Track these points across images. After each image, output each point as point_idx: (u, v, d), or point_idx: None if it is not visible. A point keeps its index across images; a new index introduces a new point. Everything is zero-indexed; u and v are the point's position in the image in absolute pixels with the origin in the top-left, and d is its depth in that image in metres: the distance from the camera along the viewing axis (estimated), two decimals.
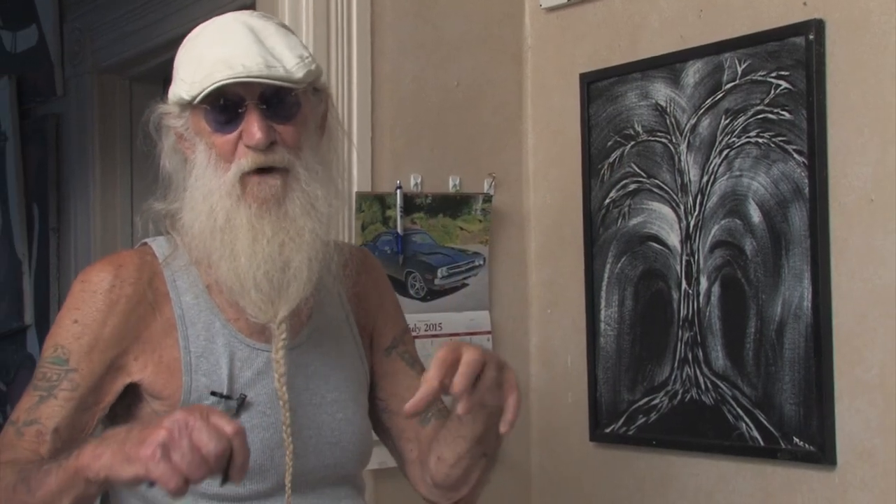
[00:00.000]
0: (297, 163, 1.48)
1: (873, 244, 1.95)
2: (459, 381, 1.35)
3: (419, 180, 2.41)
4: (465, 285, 2.44)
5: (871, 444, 1.95)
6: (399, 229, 2.34)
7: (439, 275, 2.41)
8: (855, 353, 1.97)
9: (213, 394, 1.47)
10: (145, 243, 1.57)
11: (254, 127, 1.46)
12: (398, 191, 2.35)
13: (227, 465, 1.24)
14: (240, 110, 1.46)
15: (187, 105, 1.49)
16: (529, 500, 2.53)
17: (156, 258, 1.53)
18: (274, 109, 1.47)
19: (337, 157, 1.60)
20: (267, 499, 1.49)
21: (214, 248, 1.47)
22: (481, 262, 2.46)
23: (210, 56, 1.46)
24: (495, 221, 2.49)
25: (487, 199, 2.47)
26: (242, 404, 1.49)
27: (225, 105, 1.47)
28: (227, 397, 1.48)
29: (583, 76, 2.42)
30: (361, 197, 2.29)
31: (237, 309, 1.50)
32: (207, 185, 1.48)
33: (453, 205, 2.42)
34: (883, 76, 1.94)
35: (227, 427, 1.23)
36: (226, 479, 1.25)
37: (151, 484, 1.23)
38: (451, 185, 2.45)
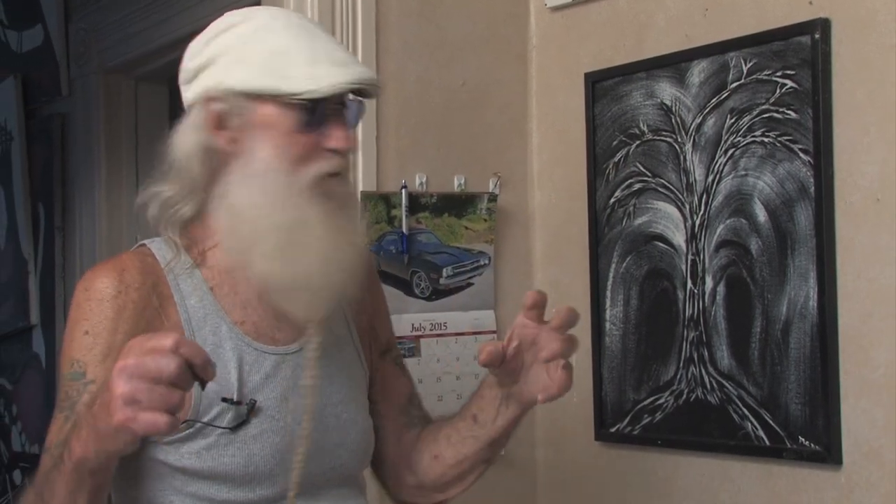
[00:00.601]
0: (350, 169, 1.52)
1: (879, 243, 1.95)
2: (567, 314, 1.51)
3: (424, 180, 2.41)
4: (470, 284, 2.44)
5: (878, 443, 1.95)
6: (404, 229, 2.34)
7: (444, 274, 2.41)
8: (861, 352, 1.97)
9: (224, 400, 1.45)
10: (143, 244, 1.53)
11: (342, 132, 1.47)
12: (403, 190, 2.35)
13: (194, 373, 1.20)
14: (321, 112, 1.45)
15: (252, 95, 1.44)
16: (535, 499, 2.53)
17: (156, 260, 1.50)
18: (347, 114, 1.48)
19: None
20: (276, 503, 1.48)
21: (266, 246, 1.44)
22: (486, 262, 2.46)
23: (311, 52, 1.45)
24: (500, 221, 2.49)
25: (493, 198, 2.47)
26: (253, 409, 1.47)
27: (310, 106, 1.45)
28: (238, 403, 1.46)
29: (588, 75, 2.42)
30: (366, 196, 2.29)
31: (243, 311, 1.50)
32: (274, 183, 1.44)
33: (458, 204, 2.42)
34: (889, 75, 1.93)
35: (165, 342, 1.18)
36: (202, 382, 1.22)
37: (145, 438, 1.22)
38: (457, 184, 2.45)
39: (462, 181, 2.46)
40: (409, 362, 2.34)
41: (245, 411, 1.46)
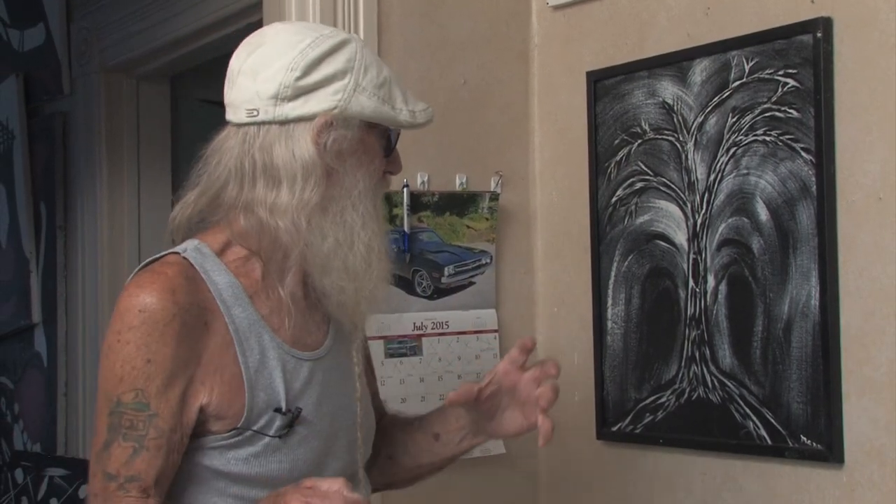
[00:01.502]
0: None
1: (881, 242, 1.95)
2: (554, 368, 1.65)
3: (426, 178, 2.41)
4: (471, 283, 2.44)
5: (879, 442, 1.95)
6: (406, 227, 2.34)
7: (446, 273, 2.41)
8: (863, 351, 1.97)
9: (276, 410, 1.49)
10: (177, 253, 1.52)
11: (399, 158, 1.59)
12: (405, 189, 2.35)
13: None
14: (394, 140, 1.57)
15: (366, 123, 1.52)
16: (536, 498, 2.53)
17: (196, 272, 1.50)
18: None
19: None
20: None
21: (350, 262, 1.51)
22: (488, 261, 2.46)
23: (398, 83, 1.55)
24: (502, 219, 2.49)
25: (494, 197, 2.47)
26: (298, 417, 1.50)
27: (392, 134, 1.56)
28: (287, 412, 1.50)
29: (590, 74, 2.42)
30: None
31: (279, 318, 1.52)
32: (370, 208, 1.53)
33: (460, 203, 2.42)
34: (891, 74, 1.93)
35: (340, 489, 1.35)
36: None
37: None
38: (458, 183, 2.45)
39: (464, 180, 2.46)
40: (411, 361, 2.35)
41: (291, 419, 1.50)
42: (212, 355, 1.47)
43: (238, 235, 1.52)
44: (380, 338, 2.31)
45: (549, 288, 2.53)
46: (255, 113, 1.49)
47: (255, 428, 1.47)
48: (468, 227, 2.43)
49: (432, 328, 2.39)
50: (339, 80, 1.49)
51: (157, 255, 1.53)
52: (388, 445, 1.74)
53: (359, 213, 1.51)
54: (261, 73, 1.49)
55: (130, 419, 1.43)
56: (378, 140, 1.54)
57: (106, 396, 1.45)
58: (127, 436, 1.43)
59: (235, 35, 2.95)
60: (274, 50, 1.50)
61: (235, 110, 1.52)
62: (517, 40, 2.56)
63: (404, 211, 2.34)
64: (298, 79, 1.48)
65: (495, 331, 2.46)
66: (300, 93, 1.48)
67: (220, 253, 1.53)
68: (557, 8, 2.52)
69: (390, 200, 2.33)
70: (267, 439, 1.48)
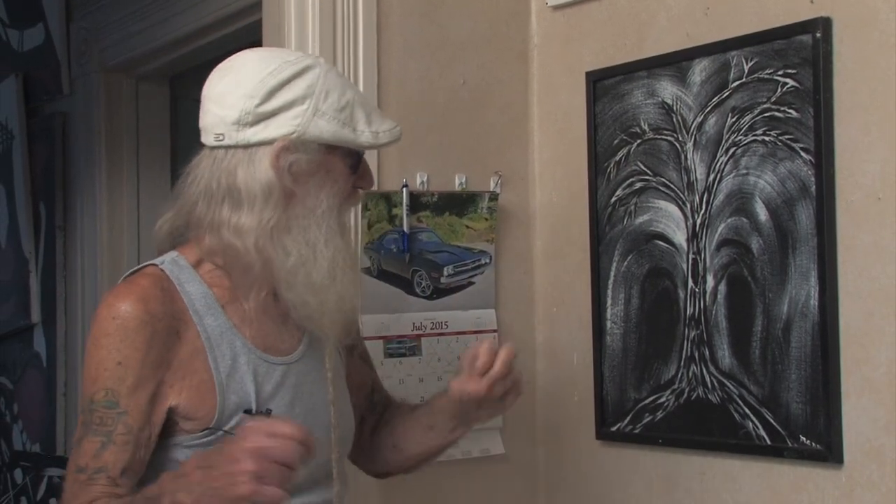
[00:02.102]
0: None
1: (880, 242, 1.95)
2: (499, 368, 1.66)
3: (425, 178, 2.41)
4: (471, 283, 2.44)
5: (879, 442, 1.95)
6: (405, 227, 2.34)
7: (445, 273, 2.41)
8: (862, 351, 1.97)
9: (246, 412, 1.57)
10: (153, 265, 1.62)
11: (371, 174, 1.67)
12: (404, 189, 2.35)
13: None
14: (361, 157, 1.64)
15: (326, 145, 1.58)
16: (535, 498, 2.53)
17: (172, 284, 1.59)
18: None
19: None
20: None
21: (315, 279, 1.58)
22: (487, 261, 2.46)
23: (363, 104, 1.62)
24: (501, 219, 2.49)
25: (494, 197, 2.47)
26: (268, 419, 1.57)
27: (359, 152, 1.63)
28: (258, 413, 1.58)
29: (589, 74, 2.42)
30: (367, 195, 2.29)
31: (250, 326, 1.61)
32: (334, 225, 1.60)
33: (459, 203, 2.42)
34: (890, 74, 1.93)
35: (289, 431, 1.39)
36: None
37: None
38: (458, 183, 2.45)
39: (463, 180, 2.46)
40: (410, 361, 2.35)
41: None
42: (182, 361, 1.56)
43: (207, 252, 1.62)
44: (379, 338, 2.31)
45: (549, 288, 2.53)
46: (222, 137, 1.59)
47: (225, 428, 1.55)
48: (467, 227, 2.43)
49: (431, 328, 2.39)
50: (298, 105, 1.57)
51: (138, 267, 1.63)
52: (392, 435, 1.82)
53: (322, 231, 1.58)
54: (226, 100, 1.59)
55: (101, 416, 1.53)
56: (342, 160, 1.61)
57: (83, 397, 1.56)
58: (96, 431, 1.53)
59: (235, 35, 2.96)
60: (239, 77, 1.59)
61: (206, 134, 1.62)
62: (517, 40, 2.56)
63: (404, 211, 2.34)
64: (258, 105, 1.57)
65: (494, 331, 2.46)
66: (260, 118, 1.57)
67: (197, 265, 1.62)
68: (557, 8, 2.52)
69: (390, 200, 2.33)
70: None
